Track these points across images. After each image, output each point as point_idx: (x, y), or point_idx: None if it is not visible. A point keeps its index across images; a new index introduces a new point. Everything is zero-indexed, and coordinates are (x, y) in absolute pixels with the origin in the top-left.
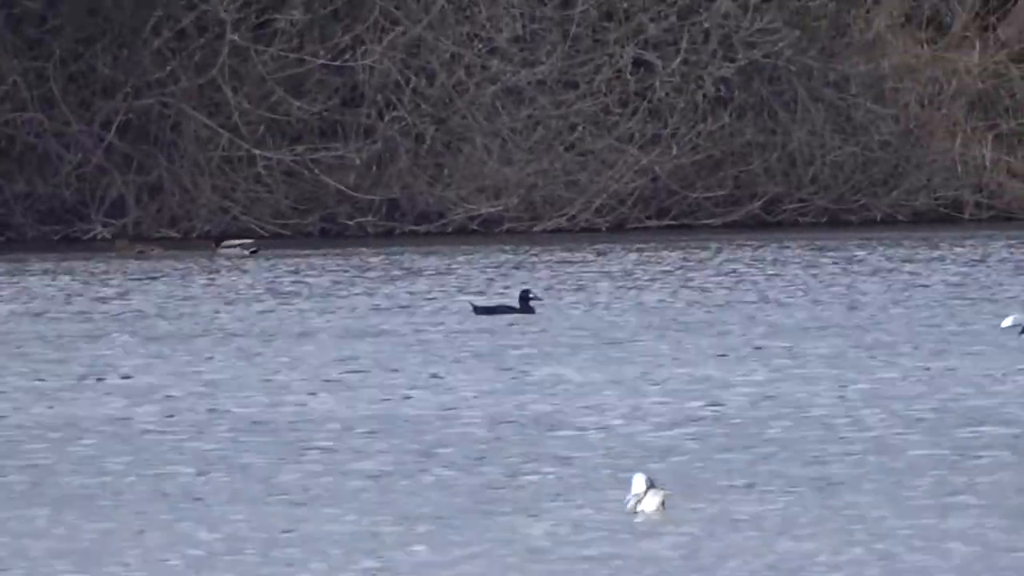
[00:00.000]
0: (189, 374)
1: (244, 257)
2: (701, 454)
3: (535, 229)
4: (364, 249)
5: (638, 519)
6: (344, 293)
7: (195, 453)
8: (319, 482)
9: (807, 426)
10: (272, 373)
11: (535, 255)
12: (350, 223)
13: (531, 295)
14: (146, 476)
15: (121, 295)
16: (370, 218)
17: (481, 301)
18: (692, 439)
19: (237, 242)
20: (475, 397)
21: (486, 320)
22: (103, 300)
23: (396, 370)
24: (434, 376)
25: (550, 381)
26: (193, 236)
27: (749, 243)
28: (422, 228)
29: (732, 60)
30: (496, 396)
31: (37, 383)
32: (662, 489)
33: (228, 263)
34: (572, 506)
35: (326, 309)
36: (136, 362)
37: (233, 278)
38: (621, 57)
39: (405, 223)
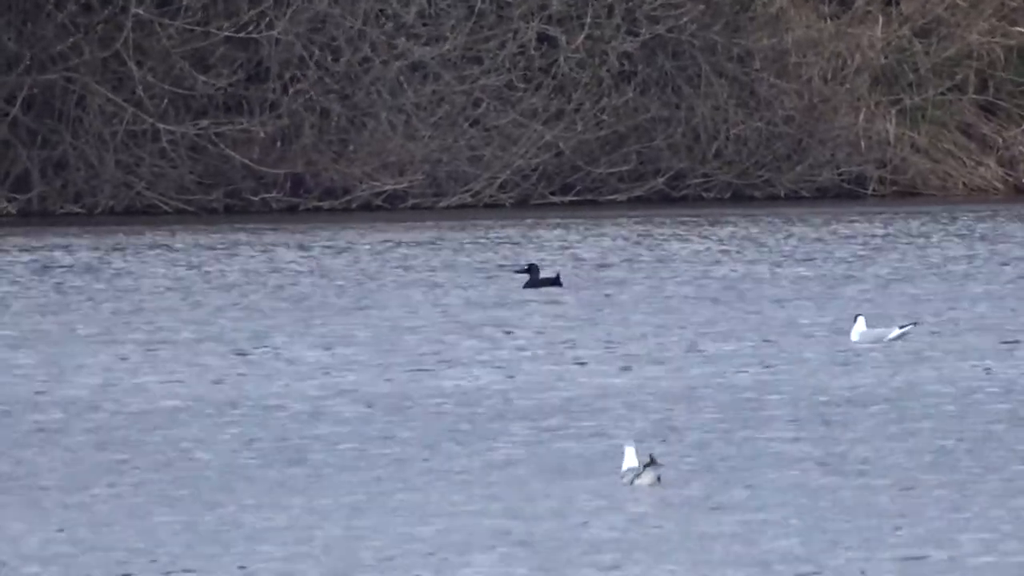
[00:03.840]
0: None
1: None
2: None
3: (439, 205)
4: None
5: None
6: None
7: None
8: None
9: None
10: None
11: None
12: (255, 199)
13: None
14: None
15: None
16: (274, 194)
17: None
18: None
19: None
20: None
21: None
22: None
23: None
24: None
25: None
26: (97, 212)
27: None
28: (326, 204)
29: (636, 35)
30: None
31: None
32: (659, 464)
33: None
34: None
35: None
36: None
37: None
38: (525, 32)
39: (310, 199)
